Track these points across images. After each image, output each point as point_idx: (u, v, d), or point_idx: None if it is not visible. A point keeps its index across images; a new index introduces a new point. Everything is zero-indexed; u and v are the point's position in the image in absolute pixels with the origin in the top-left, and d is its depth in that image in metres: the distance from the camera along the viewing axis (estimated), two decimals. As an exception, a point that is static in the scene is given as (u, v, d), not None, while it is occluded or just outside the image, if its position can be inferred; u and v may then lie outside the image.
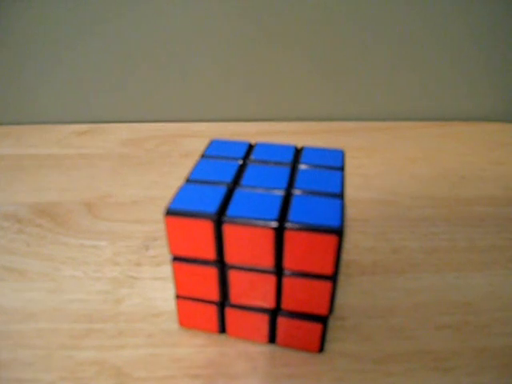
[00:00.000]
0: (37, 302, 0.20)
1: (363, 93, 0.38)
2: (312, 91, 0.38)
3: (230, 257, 0.15)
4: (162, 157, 0.32)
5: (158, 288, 0.20)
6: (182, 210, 0.15)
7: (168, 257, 0.22)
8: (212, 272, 0.16)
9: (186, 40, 0.35)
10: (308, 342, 0.17)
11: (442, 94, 0.38)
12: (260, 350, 0.17)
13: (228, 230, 0.14)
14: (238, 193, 0.16)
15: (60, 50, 0.35)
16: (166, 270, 0.21)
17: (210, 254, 0.15)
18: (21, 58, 0.35)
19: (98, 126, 0.37)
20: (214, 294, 0.16)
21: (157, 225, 0.25)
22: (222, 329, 0.18)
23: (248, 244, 0.15)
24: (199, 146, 0.34)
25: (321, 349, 0.17)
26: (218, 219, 0.15)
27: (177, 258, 0.16)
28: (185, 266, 0.16)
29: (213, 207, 0.15)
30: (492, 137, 0.35)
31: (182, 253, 0.16)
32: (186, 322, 0.18)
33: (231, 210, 0.15)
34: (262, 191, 0.16)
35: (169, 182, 0.29)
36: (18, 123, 0.38)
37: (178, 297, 0.17)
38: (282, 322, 0.16)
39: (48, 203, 0.27)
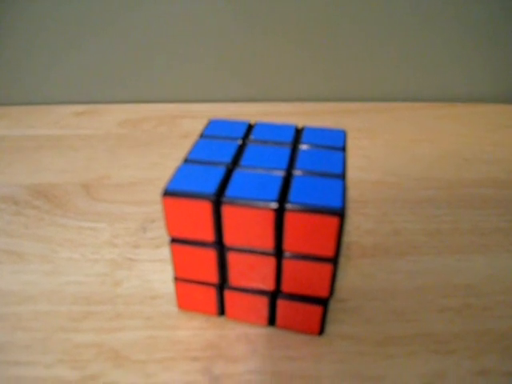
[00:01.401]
0: (34, 284, 0.19)
1: (363, 74, 0.37)
2: (312, 72, 0.37)
3: (229, 238, 0.15)
4: (161, 138, 0.32)
5: (157, 270, 0.20)
6: (180, 190, 0.14)
7: (166, 239, 0.22)
8: (211, 254, 0.15)
9: (185, 19, 0.34)
10: (308, 325, 0.17)
11: (441, 75, 0.37)
12: (259, 332, 0.17)
13: (227, 211, 0.14)
14: (238, 173, 0.15)
15: (58, 32, 0.34)
16: (165, 252, 0.21)
17: (209, 236, 0.15)
18: (19, 39, 0.35)
19: (95, 107, 0.37)
20: (213, 277, 0.16)
21: (155, 206, 0.24)
22: (221, 311, 0.18)
23: (247, 225, 0.14)
24: (199, 126, 0.33)
25: (321, 331, 0.17)
26: (217, 200, 0.14)
27: (175, 240, 0.16)
28: (183, 248, 0.16)
29: (211, 188, 0.14)
30: (491, 119, 0.35)
31: (181, 234, 0.15)
32: (185, 304, 0.18)
33: (230, 191, 0.14)
34: (261, 172, 0.15)
35: (167, 163, 0.29)
36: (16, 104, 0.37)
37: (176, 279, 0.17)
38: (281, 304, 0.16)
39: (45, 185, 0.26)
